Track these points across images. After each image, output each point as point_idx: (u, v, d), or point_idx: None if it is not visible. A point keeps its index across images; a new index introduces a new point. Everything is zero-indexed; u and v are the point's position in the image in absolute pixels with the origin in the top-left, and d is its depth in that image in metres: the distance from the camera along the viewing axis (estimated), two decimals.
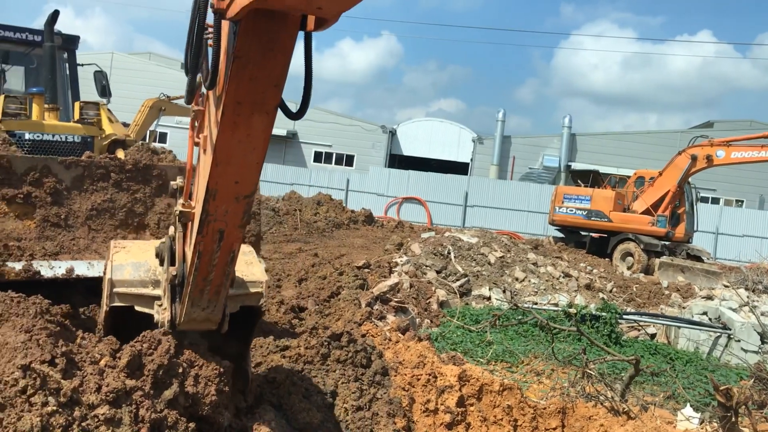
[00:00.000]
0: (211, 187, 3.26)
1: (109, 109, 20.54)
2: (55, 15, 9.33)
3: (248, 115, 3.02)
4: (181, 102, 23.28)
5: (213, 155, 3.16)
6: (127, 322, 4.15)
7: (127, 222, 6.44)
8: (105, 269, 4.21)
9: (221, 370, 3.98)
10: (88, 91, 11.74)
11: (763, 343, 10.45)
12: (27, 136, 8.25)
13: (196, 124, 3.70)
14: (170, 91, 23.73)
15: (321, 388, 5.71)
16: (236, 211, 3.38)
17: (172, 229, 3.99)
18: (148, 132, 21.99)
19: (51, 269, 5.61)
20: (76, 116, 8.93)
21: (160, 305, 4.06)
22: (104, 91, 11.72)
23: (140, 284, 4.09)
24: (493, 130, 39.64)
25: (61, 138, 8.38)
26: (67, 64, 10.10)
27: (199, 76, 3.27)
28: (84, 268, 5.66)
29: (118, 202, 6.36)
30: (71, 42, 10.24)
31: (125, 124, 20.87)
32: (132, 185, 6.43)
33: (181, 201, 3.88)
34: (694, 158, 19.36)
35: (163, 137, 37.94)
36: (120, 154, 8.28)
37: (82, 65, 11.75)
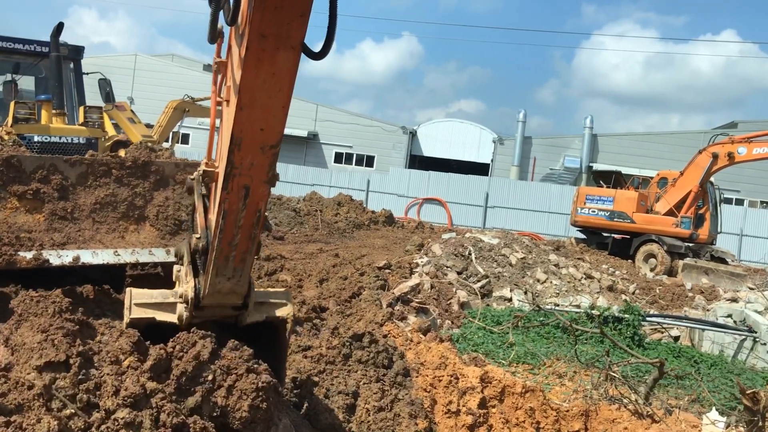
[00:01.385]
0: (236, 135, 3.16)
1: (132, 110, 20.78)
2: (59, 27, 10.12)
3: (273, 51, 2.92)
4: (206, 103, 23.48)
5: (237, 98, 3.06)
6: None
7: (128, 214, 6.94)
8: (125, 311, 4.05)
9: (260, 384, 3.66)
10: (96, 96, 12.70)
11: None
12: (36, 138, 8.97)
13: (219, 78, 3.61)
14: (193, 92, 23.93)
15: (342, 388, 5.72)
16: (262, 164, 3.29)
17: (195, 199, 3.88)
18: (171, 133, 22.24)
19: (59, 258, 5.99)
20: (81, 120, 9.64)
21: (179, 272, 3.92)
22: (108, 97, 12.56)
23: (160, 296, 3.95)
24: (514, 130, 39.47)
25: (67, 140, 9.13)
26: (72, 73, 10.86)
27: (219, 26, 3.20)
28: (89, 257, 6.07)
29: (119, 196, 6.86)
30: (76, 52, 11.20)
31: (149, 126, 21.16)
32: (132, 180, 6.93)
33: (204, 160, 3.80)
34: (715, 156, 19.11)
35: (185, 138, 38.25)
36: (122, 153, 8.81)
37: (87, 74, 12.71)
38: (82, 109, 9.89)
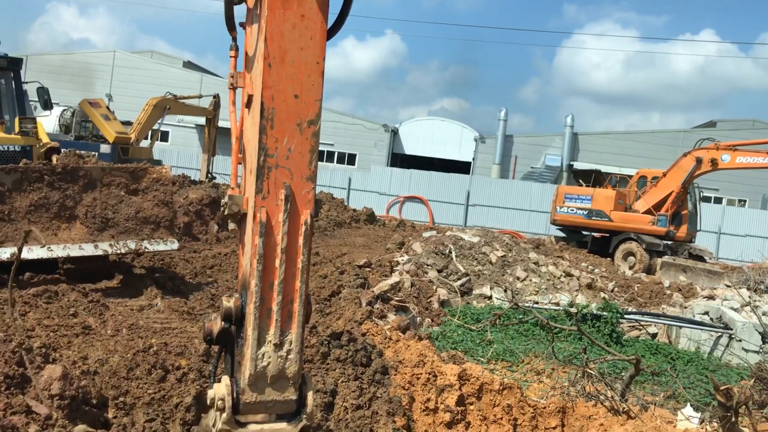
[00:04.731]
0: (267, 105, 2.75)
1: (108, 108, 20.72)
2: None
3: None
4: (188, 102, 23.39)
5: (265, 51, 2.70)
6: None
7: (60, 214, 7.79)
8: None
9: None
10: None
11: (764, 343, 10.42)
12: None
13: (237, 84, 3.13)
14: (172, 89, 23.84)
15: (320, 386, 5.71)
16: (301, 151, 2.82)
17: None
18: (150, 131, 22.10)
19: None
20: (17, 129, 10.21)
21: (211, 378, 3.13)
22: (46, 104, 13.21)
23: None
24: (496, 129, 39.62)
25: (3, 148, 9.80)
26: (12, 83, 11.25)
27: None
28: (24, 253, 6.50)
29: (51, 199, 7.69)
30: (15, 63, 11.46)
31: (126, 123, 21.01)
32: (63, 184, 7.77)
33: (229, 188, 3.15)
34: (699, 161, 19.34)
35: (165, 136, 37.98)
36: (54, 159, 9.86)
37: (27, 83, 13.62)
38: (17, 119, 10.43)
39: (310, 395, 3.02)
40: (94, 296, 7.26)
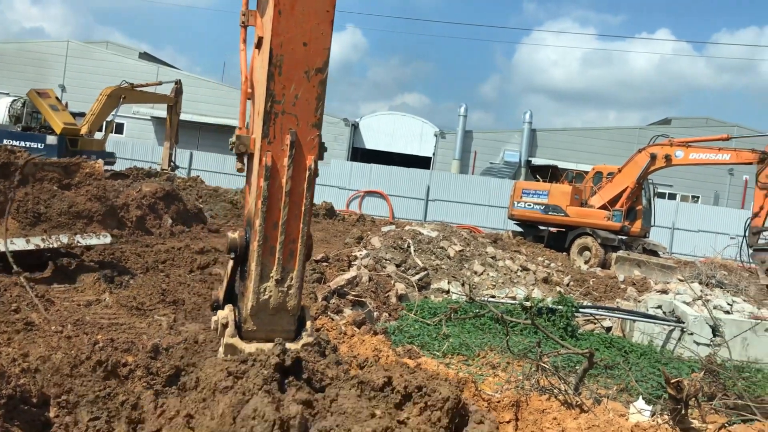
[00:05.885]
0: (276, 52, 2.78)
1: (57, 98, 20.28)
2: None
3: None
4: (144, 90, 22.81)
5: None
6: None
7: None
8: None
9: None
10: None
11: (714, 336, 10.61)
12: None
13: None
14: (128, 81, 23.26)
15: None
16: (308, 98, 2.90)
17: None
18: (105, 122, 21.56)
19: None
20: None
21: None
22: None
23: None
24: (456, 125, 39.77)
25: None
26: None
27: None
28: None
29: None
30: None
31: (75, 114, 20.47)
32: None
33: (236, 131, 3.27)
34: (653, 157, 19.64)
35: (120, 128, 37.21)
36: None
37: None
38: None
39: (309, 322, 3.27)
40: (39, 291, 7.03)
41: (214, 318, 3.36)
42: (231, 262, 3.50)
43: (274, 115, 2.84)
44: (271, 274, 3.06)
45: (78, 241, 8.08)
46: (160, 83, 23.65)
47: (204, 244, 11.91)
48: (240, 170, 3.30)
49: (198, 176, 23.26)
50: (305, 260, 3.17)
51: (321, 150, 3.08)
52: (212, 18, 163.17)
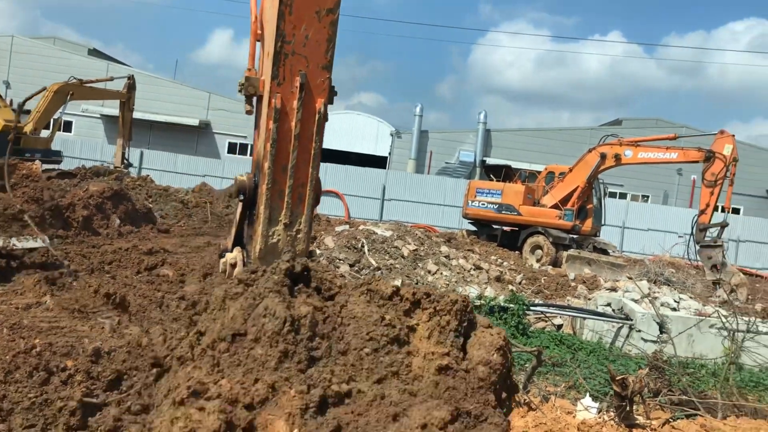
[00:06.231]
0: None
1: (0, 95, 19.61)
2: None
3: None
4: (94, 86, 22.16)
5: None
6: None
7: None
8: None
9: None
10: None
11: (661, 333, 10.83)
12: None
13: None
14: (77, 77, 22.59)
15: None
16: (318, 39, 2.85)
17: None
18: (52, 120, 20.92)
19: None
20: None
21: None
22: None
23: None
24: (412, 124, 39.91)
25: None
26: None
27: None
28: None
29: None
30: None
31: (25, 112, 19.78)
32: None
33: (245, 72, 3.24)
34: (603, 156, 19.95)
35: (68, 126, 36.32)
36: None
37: None
38: None
39: (317, 251, 3.17)
40: None
41: (222, 260, 3.37)
42: (239, 207, 3.48)
43: (283, 55, 2.79)
44: (280, 218, 3.10)
45: (14, 245, 7.82)
46: (111, 79, 23.01)
47: (152, 244, 11.66)
48: (249, 113, 3.28)
49: (148, 175, 22.78)
50: (314, 205, 3.22)
51: (331, 93, 3.03)
52: (165, 15, 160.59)
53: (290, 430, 2.49)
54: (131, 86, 22.48)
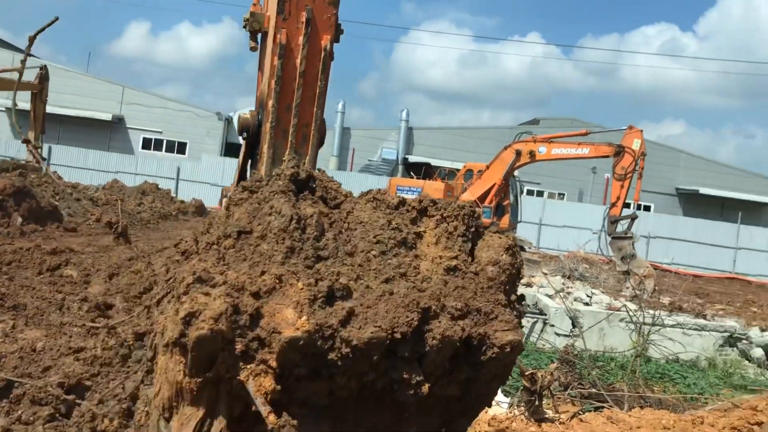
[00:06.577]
0: None
1: None
2: None
3: None
4: (8, 75, 20.85)
5: None
6: None
7: None
8: None
9: None
10: None
11: (573, 327, 11.09)
12: None
13: None
14: None
15: (119, 392, 5.24)
16: None
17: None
18: None
19: None
20: None
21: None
22: None
23: None
24: (333, 121, 39.73)
25: None
26: None
27: None
28: None
29: None
30: None
31: None
32: None
33: (251, 7, 3.07)
34: (518, 153, 20.34)
35: None
36: None
37: None
38: None
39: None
40: None
41: (224, 200, 3.26)
42: (243, 147, 3.39)
43: None
44: (284, 158, 2.97)
45: None
46: (22, 68, 21.75)
47: (57, 244, 11.07)
48: (253, 49, 3.17)
49: (55, 171, 21.76)
50: (318, 146, 3.17)
51: (338, 31, 2.91)
52: (78, 4, 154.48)
53: (299, 317, 2.44)
54: (44, 77, 21.31)
